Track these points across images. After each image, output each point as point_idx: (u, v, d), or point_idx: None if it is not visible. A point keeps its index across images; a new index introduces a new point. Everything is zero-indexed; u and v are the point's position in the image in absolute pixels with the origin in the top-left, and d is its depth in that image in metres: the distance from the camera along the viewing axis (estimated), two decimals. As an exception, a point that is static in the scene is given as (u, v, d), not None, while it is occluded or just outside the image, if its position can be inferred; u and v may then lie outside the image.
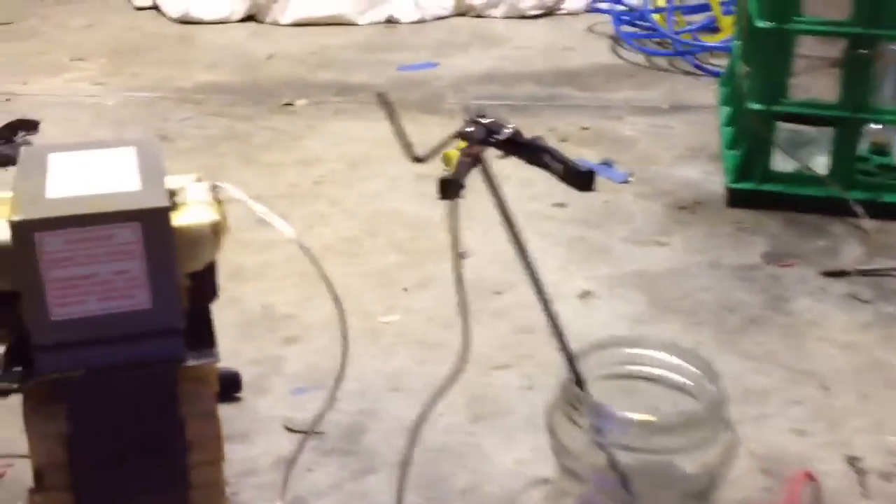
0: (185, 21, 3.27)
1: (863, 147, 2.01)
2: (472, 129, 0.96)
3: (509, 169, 1.06)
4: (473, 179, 0.97)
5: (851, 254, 1.81)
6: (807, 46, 1.94)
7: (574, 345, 1.04)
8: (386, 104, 0.95)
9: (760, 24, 1.89)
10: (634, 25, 3.07)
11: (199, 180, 0.98)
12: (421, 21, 3.29)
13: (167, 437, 0.93)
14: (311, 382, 1.44)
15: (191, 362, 0.92)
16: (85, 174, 0.92)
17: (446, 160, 1.38)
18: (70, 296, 0.86)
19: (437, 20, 3.31)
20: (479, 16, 3.34)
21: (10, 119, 2.39)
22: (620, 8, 3.09)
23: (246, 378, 1.42)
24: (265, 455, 1.30)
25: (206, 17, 3.26)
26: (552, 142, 1.04)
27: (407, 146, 0.95)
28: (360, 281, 1.72)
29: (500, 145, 0.96)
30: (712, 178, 2.12)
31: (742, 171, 2.01)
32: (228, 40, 3.12)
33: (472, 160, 0.96)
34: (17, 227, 0.84)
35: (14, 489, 1.21)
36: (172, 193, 0.92)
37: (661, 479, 1.04)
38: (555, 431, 1.06)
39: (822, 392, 1.44)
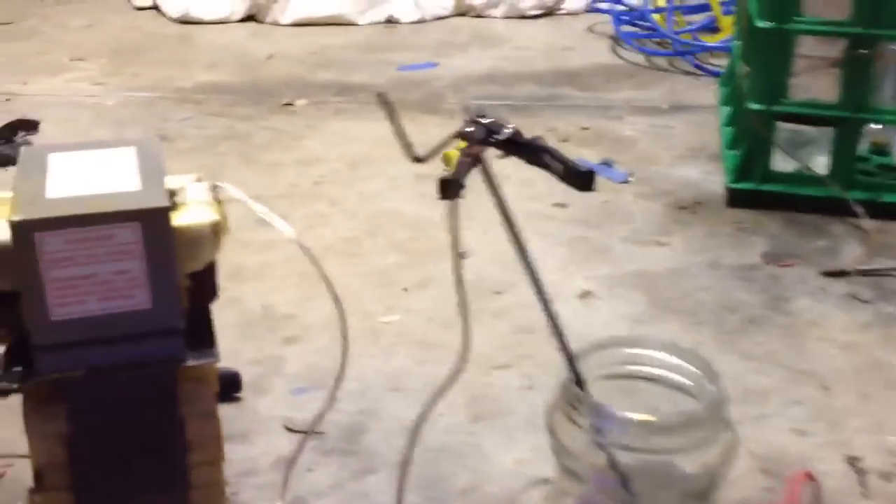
0: (185, 21, 3.27)
1: (863, 147, 2.01)
2: (472, 129, 0.96)
3: (509, 169, 1.06)
4: (473, 179, 0.97)
5: (851, 254, 1.81)
6: (807, 46, 1.94)
7: (574, 345, 1.04)
8: (386, 104, 0.95)
9: (761, 24, 1.89)
10: (634, 25, 3.07)
11: (199, 180, 0.98)
12: (421, 21, 3.29)
13: (167, 437, 0.93)
14: (310, 382, 1.44)
15: (191, 362, 0.92)
16: (85, 174, 0.92)
17: (446, 160, 1.38)
18: (70, 296, 0.86)
19: (437, 20, 3.31)
20: (478, 16, 3.34)
21: (10, 119, 2.39)
22: (620, 8, 3.09)
23: (246, 378, 1.42)
24: (265, 455, 1.30)
25: (206, 17, 3.26)
26: (552, 142, 1.04)
27: (407, 146, 0.95)
28: (360, 281, 1.72)
29: (499, 145, 0.96)
30: (712, 178, 2.12)
31: (742, 171, 2.01)
32: (228, 40, 3.12)
33: (472, 160, 0.96)
34: (17, 227, 0.84)
35: (14, 489, 1.21)
36: (172, 193, 0.92)
37: (661, 480, 1.04)
38: (555, 431, 1.06)
39: (822, 392, 1.44)
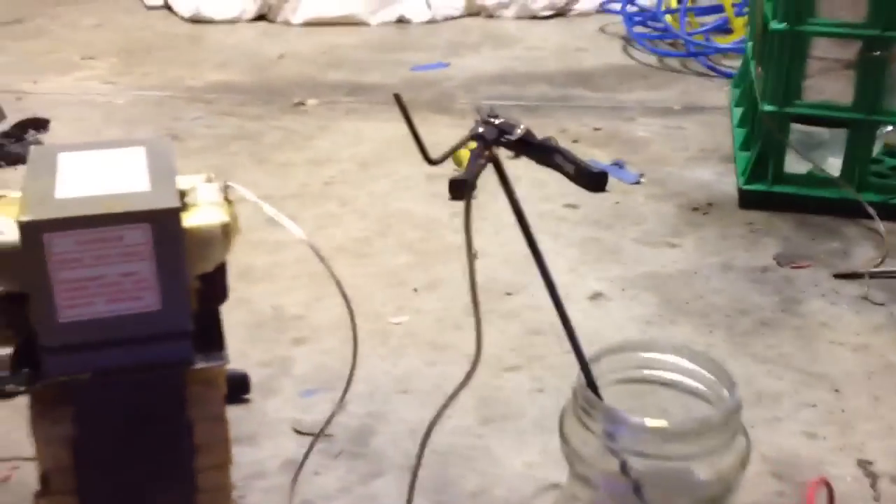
0: (196, 20, 3.27)
1: (876, 149, 2.00)
2: (483, 129, 0.95)
3: (521, 169, 1.06)
4: (484, 180, 0.96)
5: (864, 256, 1.80)
6: (821, 48, 1.93)
7: (585, 346, 1.03)
8: (402, 106, 0.94)
9: (776, 25, 1.88)
10: (646, 26, 3.07)
11: (209, 180, 0.97)
12: (432, 21, 3.29)
13: (175, 440, 0.92)
14: (319, 384, 1.43)
15: (199, 365, 0.91)
16: (95, 174, 0.91)
17: (457, 160, 1.38)
18: (78, 297, 0.85)
19: (449, 20, 3.31)
20: (490, 16, 3.34)
21: (21, 118, 2.39)
22: (632, 9, 3.09)
23: (254, 379, 1.41)
24: (273, 458, 1.29)
25: (217, 17, 3.27)
26: (564, 142, 1.03)
27: (422, 148, 0.94)
28: (370, 281, 1.71)
29: (511, 146, 0.95)
30: (725, 180, 2.11)
31: (755, 172, 2.00)
32: (239, 40, 3.12)
33: (484, 161, 0.95)
34: (26, 228, 0.83)
35: (20, 492, 1.20)
36: (183, 194, 0.91)
37: (674, 486, 1.03)
38: (567, 436, 1.05)
39: (834, 395, 1.43)
